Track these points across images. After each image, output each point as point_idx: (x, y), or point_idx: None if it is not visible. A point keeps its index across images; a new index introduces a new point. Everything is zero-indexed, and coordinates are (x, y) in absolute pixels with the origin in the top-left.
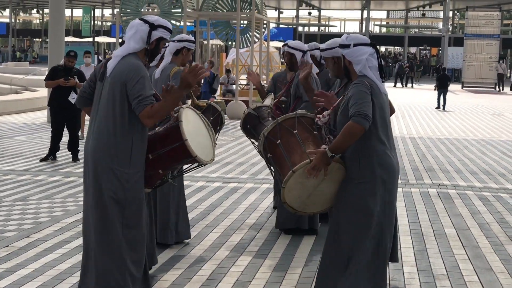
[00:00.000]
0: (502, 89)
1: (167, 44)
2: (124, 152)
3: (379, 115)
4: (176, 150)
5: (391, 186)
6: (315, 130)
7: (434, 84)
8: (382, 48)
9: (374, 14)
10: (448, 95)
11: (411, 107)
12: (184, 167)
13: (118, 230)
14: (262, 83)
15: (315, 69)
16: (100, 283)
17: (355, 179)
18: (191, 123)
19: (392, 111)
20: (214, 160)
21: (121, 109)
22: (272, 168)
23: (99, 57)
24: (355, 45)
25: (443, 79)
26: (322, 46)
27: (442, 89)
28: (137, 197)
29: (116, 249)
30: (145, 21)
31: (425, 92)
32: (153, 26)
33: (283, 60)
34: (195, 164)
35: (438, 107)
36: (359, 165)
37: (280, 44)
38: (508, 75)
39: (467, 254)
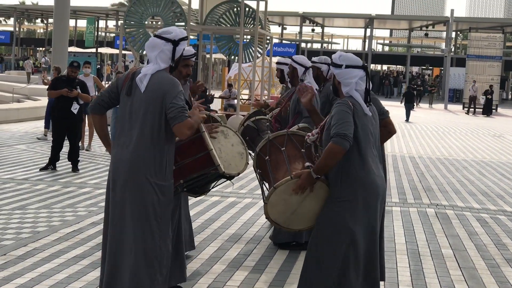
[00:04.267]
0: (474, 113)
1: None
2: (161, 165)
3: (362, 135)
4: (200, 160)
5: (371, 207)
6: (303, 148)
7: (400, 100)
8: (385, 67)
9: (377, 32)
10: (450, 115)
11: (411, 126)
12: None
13: (156, 243)
14: (264, 100)
15: (315, 85)
16: None
17: (337, 198)
18: (222, 140)
19: (392, 131)
20: (238, 174)
21: (159, 122)
22: (262, 185)
23: (101, 67)
24: (347, 66)
25: (409, 96)
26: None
27: (408, 104)
28: (169, 209)
29: (154, 262)
30: (167, 40)
31: (396, 108)
32: (175, 43)
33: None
34: (222, 180)
35: (407, 120)
36: (340, 184)
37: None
38: (490, 97)
39: (463, 275)
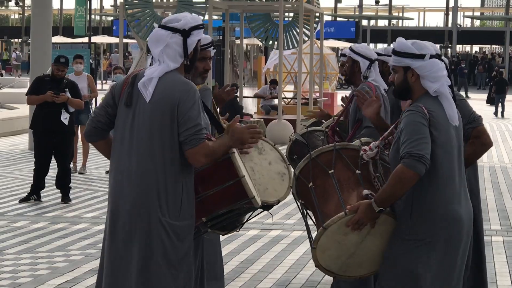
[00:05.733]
0: None
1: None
2: (175, 199)
3: (442, 152)
4: (228, 191)
5: (453, 247)
6: (358, 168)
7: (492, 90)
8: (476, 48)
9: (464, 2)
10: None
11: (506, 126)
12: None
13: None
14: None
15: (382, 84)
16: None
17: (404, 235)
18: (255, 156)
19: (486, 143)
20: (279, 202)
21: (171, 140)
22: (306, 221)
23: (94, 62)
24: (431, 56)
25: (501, 84)
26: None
27: (500, 95)
28: (188, 258)
29: None
30: (174, 30)
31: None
32: (185, 33)
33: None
34: (258, 211)
35: (496, 114)
36: (410, 218)
37: (337, 44)
38: None
39: None
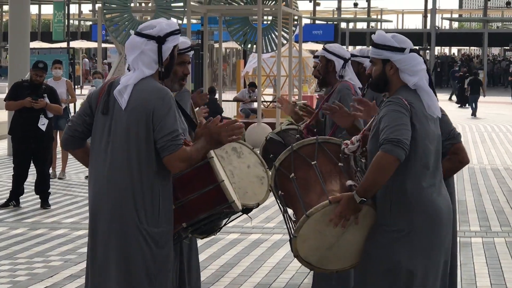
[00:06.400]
0: None
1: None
2: (152, 206)
3: (421, 143)
4: (207, 196)
5: (434, 236)
6: (341, 161)
7: (466, 90)
8: (454, 49)
9: (443, 4)
10: None
11: (493, 128)
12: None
13: None
14: (295, 105)
15: (357, 83)
16: None
17: (385, 225)
18: (235, 160)
19: (463, 161)
20: (258, 205)
21: (147, 149)
22: (285, 212)
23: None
24: (411, 50)
25: (475, 84)
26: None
27: (474, 95)
28: (166, 265)
29: None
30: (148, 37)
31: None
32: (160, 40)
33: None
34: (236, 215)
35: (474, 115)
36: (390, 208)
37: (316, 47)
38: None
39: None
